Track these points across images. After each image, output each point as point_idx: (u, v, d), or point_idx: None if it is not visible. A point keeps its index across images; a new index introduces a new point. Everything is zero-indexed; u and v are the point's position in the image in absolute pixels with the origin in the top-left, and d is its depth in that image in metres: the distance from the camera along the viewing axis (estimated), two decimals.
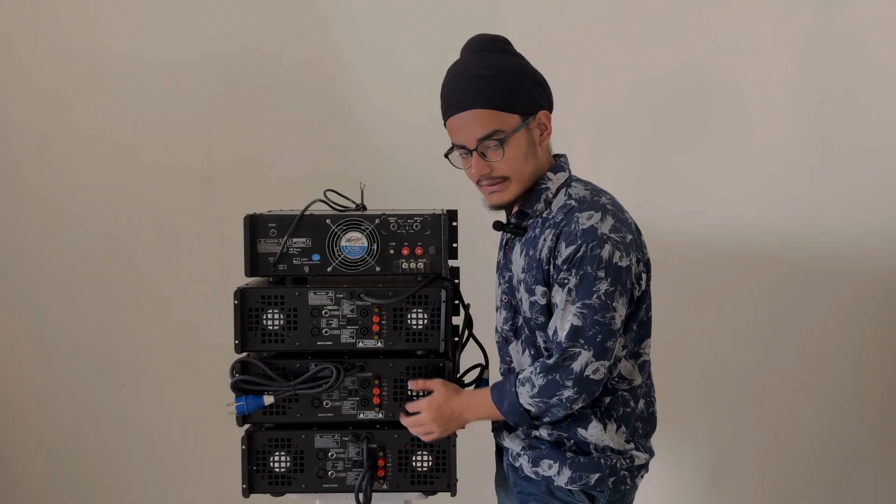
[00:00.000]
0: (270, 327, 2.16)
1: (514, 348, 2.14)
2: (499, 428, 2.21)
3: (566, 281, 1.95)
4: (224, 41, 3.27)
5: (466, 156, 2.07)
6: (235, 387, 2.15)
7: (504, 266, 2.18)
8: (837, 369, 3.32)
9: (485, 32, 2.08)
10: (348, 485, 2.19)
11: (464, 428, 2.17)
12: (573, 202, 2.01)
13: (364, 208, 2.28)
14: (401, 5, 3.26)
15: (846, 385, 3.32)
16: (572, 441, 2.07)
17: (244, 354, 2.18)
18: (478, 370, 2.32)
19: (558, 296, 1.97)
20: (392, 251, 2.16)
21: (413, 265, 2.17)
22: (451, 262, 2.27)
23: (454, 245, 2.23)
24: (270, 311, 2.16)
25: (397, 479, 2.19)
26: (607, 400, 2.07)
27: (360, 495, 2.13)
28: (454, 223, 2.23)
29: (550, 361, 1.95)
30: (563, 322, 1.94)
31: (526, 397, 1.99)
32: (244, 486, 2.18)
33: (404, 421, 2.15)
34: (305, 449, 2.19)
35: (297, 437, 2.19)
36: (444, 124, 2.11)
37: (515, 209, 2.11)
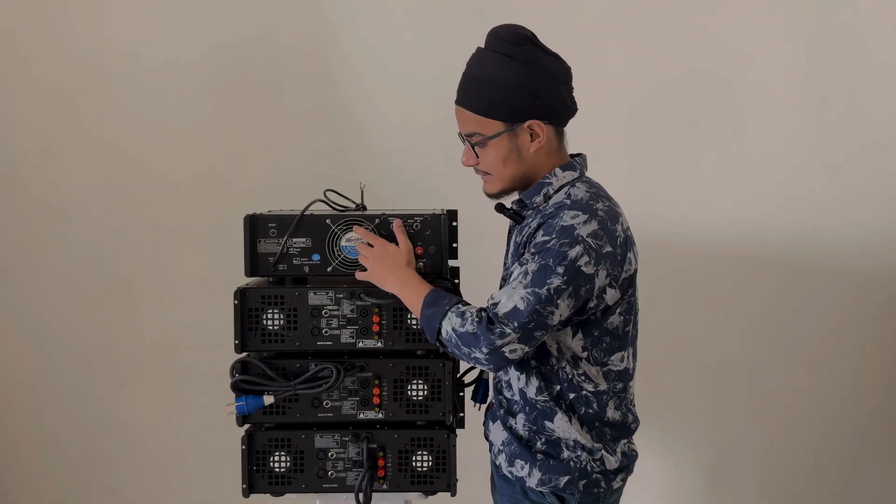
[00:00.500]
0: (270, 327, 2.16)
1: None
2: (487, 420, 2.22)
3: (526, 262, 1.96)
4: (224, 41, 3.27)
5: (463, 142, 2.12)
6: (235, 387, 2.15)
7: (505, 254, 2.21)
8: (838, 370, 3.32)
9: (511, 24, 2.07)
10: (348, 485, 2.19)
11: (390, 297, 2.13)
12: (568, 201, 2.02)
13: (364, 208, 2.28)
14: (402, 6, 3.26)
15: (846, 385, 3.32)
16: (543, 438, 2.07)
17: (244, 354, 2.18)
18: (478, 370, 2.33)
19: (515, 271, 1.98)
20: None
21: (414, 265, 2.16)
22: (451, 262, 2.27)
23: (454, 245, 2.23)
24: (270, 311, 2.16)
25: (397, 479, 2.19)
26: (571, 396, 2.06)
27: (360, 495, 2.13)
28: (454, 223, 2.24)
29: (485, 325, 1.94)
30: (508, 300, 1.94)
31: (448, 325, 1.98)
32: (244, 486, 2.18)
33: (364, 234, 2.14)
34: (305, 449, 2.19)
35: (297, 437, 2.19)
36: None
37: (517, 197, 2.13)
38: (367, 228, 2.15)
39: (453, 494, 2.21)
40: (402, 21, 3.26)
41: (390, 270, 2.09)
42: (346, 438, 2.19)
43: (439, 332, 2.00)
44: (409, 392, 2.18)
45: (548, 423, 2.06)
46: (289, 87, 3.29)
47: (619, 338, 2.07)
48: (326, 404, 2.18)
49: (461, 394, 2.33)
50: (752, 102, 3.21)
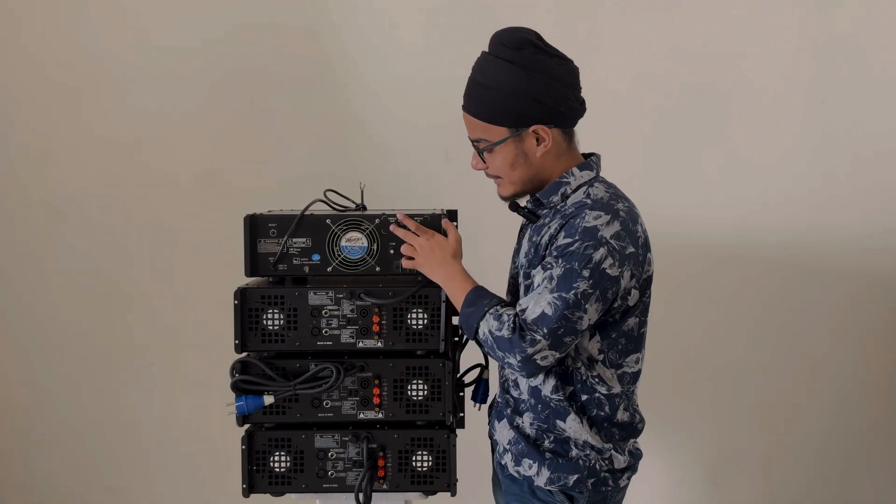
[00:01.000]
0: (270, 327, 2.16)
1: None
2: (492, 419, 2.22)
3: (550, 266, 1.96)
4: (225, 41, 3.27)
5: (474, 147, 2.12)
6: (235, 387, 2.15)
7: (515, 252, 2.20)
8: (838, 370, 3.32)
9: (515, 27, 2.06)
10: (348, 485, 2.19)
11: (437, 285, 2.13)
12: (588, 200, 2.02)
13: (364, 208, 2.28)
14: (403, 5, 3.26)
15: (846, 385, 3.32)
16: (552, 436, 2.07)
17: (244, 354, 2.18)
18: (478, 370, 2.33)
19: (538, 276, 1.98)
20: (392, 251, 2.16)
21: None
22: None
23: None
24: (270, 311, 2.16)
25: (397, 479, 2.19)
26: (584, 398, 2.07)
27: (360, 495, 2.13)
28: (454, 223, 2.23)
29: (518, 332, 1.94)
30: (535, 306, 1.94)
31: (486, 327, 1.99)
32: (244, 486, 2.18)
33: (403, 224, 2.14)
34: (305, 449, 2.19)
35: (297, 437, 2.19)
36: None
37: (532, 196, 2.12)
38: (407, 221, 2.15)
39: (453, 494, 2.21)
40: (403, 21, 3.26)
41: (437, 261, 2.11)
42: (346, 438, 2.19)
43: (477, 332, 2.01)
44: (409, 392, 2.18)
45: (559, 423, 2.06)
46: (289, 87, 3.29)
47: (635, 339, 2.08)
48: (326, 404, 2.18)
49: (461, 394, 2.33)
50: (753, 103, 3.21)
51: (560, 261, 1.94)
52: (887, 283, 3.25)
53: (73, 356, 3.40)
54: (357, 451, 2.18)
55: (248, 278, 2.20)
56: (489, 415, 2.29)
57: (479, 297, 2.03)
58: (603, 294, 1.95)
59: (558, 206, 2.06)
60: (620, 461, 2.10)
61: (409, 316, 2.16)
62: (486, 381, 2.32)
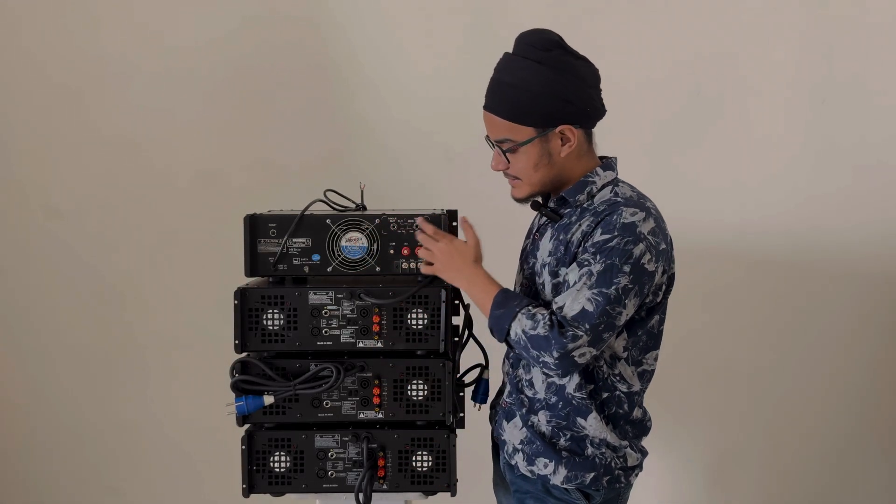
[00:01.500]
0: (270, 327, 2.16)
1: None
2: (499, 419, 2.21)
3: (588, 263, 1.96)
4: (225, 41, 3.27)
5: (491, 147, 2.11)
6: (235, 387, 2.15)
7: (530, 252, 2.18)
8: (838, 369, 3.32)
9: (540, 28, 2.07)
10: (348, 485, 2.19)
11: (456, 288, 2.14)
12: (619, 199, 2.03)
13: (364, 208, 2.28)
14: (406, 5, 3.26)
15: (847, 385, 3.32)
16: (568, 434, 2.07)
17: (244, 354, 2.18)
18: (478, 370, 2.33)
19: (573, 274, 1.97)
20: (392, 251, 2.16)
21: (413, 265, 2.17)
22: None
23: None
24: (270, 311, 2.15)
25: (397, 479, 2.19)
26: (604, 395, 2.08)
27: (360, 495, 2.13)
28: (454, 223, 2.23)
29: (557, 329, 1.93)
30: (574, 302, 1.94)
31: (518, 327, 1.98)
32: (244, 486, 2.18)
33: (422, 229, 2.13)
34: (305, 449, 2.19)
35: (297, 437, 2.18)
36: None
37: (556, 195, 2.12)
38: (425, 223, 2.14)
39: (453, 494, 2.21)
40: (405, 21, 3.26)
41: (458, 267, 2.09)
42: (346, 438, 2.19)
43: (508, 334, 2.00)
44: (409, 392, 2.18)
45: (580, 420, 2.07)
46: (289, 87, 3.29)
47: (654, 337, 2.10)
48: (326, 404, 2.18)
49: (461, 394, 2.33)
50: (753, 103, 3.21)
51: (599, 257, 1.95)
52: (889, 284, 3.25)
53: (73, 356, 3.40)
54: (357, 451, 2.18)
55: (248, 278, 2.20)
56: (492, 416, 2.29)
57: (509, 299, 2.03)
58: (641, 289, 1.97)
59: (585, 205, 2.06)
60: (633, 459, 2.12)
61: (409, 316, 2.16)
62: (486, 381, 2.32)
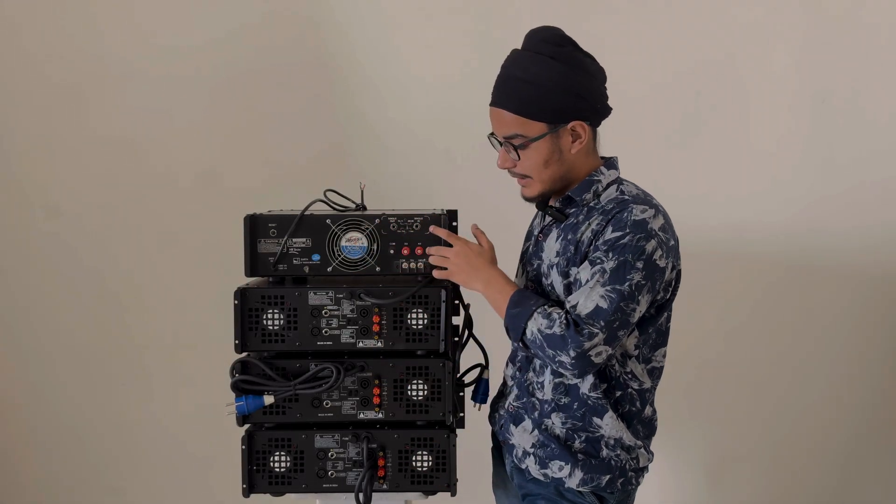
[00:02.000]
0: (270, 327, 2.16)
1: None
2: (505, 423, 2.20)
3: (600, 261, 1.96)
4: (225, 42, 3.27)
5: (497, 144, 2.11)
6: (235, 387, 2.15)
7: (533, 254, 2.18)
8: (838, 369, 3.32)
9: (547, 26, 2.07)
10: (348, 485, 2.19)
11: (470, 288, 2.14)
12: (627, 196, 2.04)
13: (364, 208, 2.28)
14: (406, 5, 3.26)
15: (847, 385, 3.32)
16: (583, 436, 2.07)
17: (244, 354, 2.18)
18: (478, 370, 2.33)
19: (585, 272, 1.97)
20: (392, 251, 2.16)
21: (413, 265, 2.17)
22: None
23: None
24: (270, 311, 2.16)
25: (397, 479, 2.19)
26: (618, 393, 2.08)
27: (360, 495, 2.13)
28: (454, 223, 2.23)
29: (573, 328, 1.93)
30: (588, 300, 1.94)
31: (534, 326, 1.98)
32: (244, 486, 2.18)
33: (436, 234, 2.13)
34: (305, 449, 2.19)
35: (297, 437, 2.18)
36: None
37: (560, 195, 2.11)
38: (443, 226, 2.14)
39: (453, 494, 2.21)
40: (405, 21, 3.26)
41: (474, 268, 2.09)
42: (346, 438, 2.19)
43: (524, 333, 2.00)
44: (409, 392, 2.18)
45: (595, 420, 2.06)
46: (289, 87, 3.29)
47: (663, 334, 2.11)
48: (326, 404, 2.18)
49: (461, 394, 2.33)
50: (752, 103, 3.21)
51: (611, 254, 1.95)
52: (888, 283, 3.25)
53: (73, 356, 3.40)
54: (357, 451, 2.18)
55: (248, 278, 2.20)
56: (493, 417, 2.28)
57: (525, 299, 2.03)
58: (653, 285, 1.97)
59: (591, 204, 2.06)
60: (644, 459, 2.13)
61: (409, 316, 2.16)
62: (486, 381, 2.32)
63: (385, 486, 2.19)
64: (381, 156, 3.28)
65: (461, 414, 2.33)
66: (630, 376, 2.08)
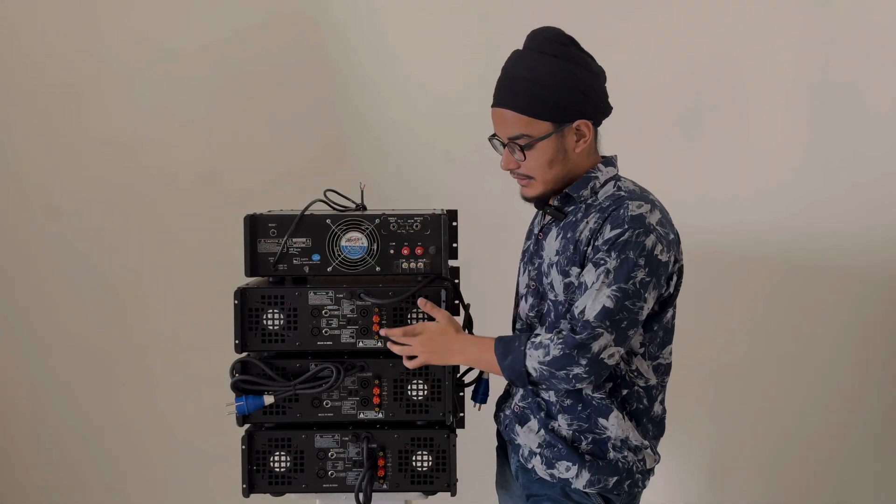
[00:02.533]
0: (270, 327, 2.16)
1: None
2: (510, 423, 2.20)
3: (603, 261, 1.95)
4: (225, 41, 3.27)
5: (499, 146, 2.10)
6: (235, 387, 2.15)
7: (534, 253, 2.17)
8: (838, 369, 3.32)
9: (548, 26, 2.07)
10: (348, 485, 2.19)
11: (450, 365, 2.13)
12: (623, 193, 2.03)
13: (364, 208, 2.28)
14: (405, 5, 3.26)
15: (847, 385, 3.32)
16: (590, 437, 2.06)
17: (244, 354, 2.18)
18: (478, 370, 2.32)
19: (590, 275, 1.96)
20: (392, 251, 2.16)
21: (413, 265, 2.16)
22: (451, 262, 2.27)
23: (454, 245, 2.24)
24: (270, 311, 2.16)
25: (397, 479, 2.19)
26: (624, 392, 2.07)
27: (360, 495, 2.13)
28: (454, 223, 2.23)
29: (577, 337, 1.92)
30: (595, 302, 1.93)
31: (535, 361, 1.96)
32: (244, 485, 2.18)
33: (391, 333, 2.10)
34: (305, 449, 2.19)
35: (297, 437, 2.18)
36: None
37: (559, 194, 2.10)
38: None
39: (453, 494, 2.21)
40: (404, 21, 3.26)
41: (445, 347, 2.07)
42: (346, 438, 2.19)
43: (528, 375, 1.98)
44: (409, 392, 2.18)
45: (601, 421, 2.05)
46: (290, 87, 3.29)
47: (669, 331, 2.10)
48: (326, 404, 2.18)
49: (461, 394, 2.32)
50: (752, 102, 3.21)
51: (613, 253, 1.94)
52: (888, 283, 3.25)
53: (73, 356, 3.40)
54: (357, 451, 2.18)
55: (248, 278, 2.20)
56: (501, 419, 2.26)
57: (509, 344, 2.01)
58: (658, 281, 1.97)
59: (589, 201, 2.06)
60: (651, 461, 2.12)
61: (409, 316, 2.16)
62: (487, 381, 2.31)
63: (385, 486, 2.19)
64: (381, 156, 3.28)
65: (461, 414, 2.33)
66: (636, 374, 2.07)
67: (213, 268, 3.28)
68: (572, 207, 2.09)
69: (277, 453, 2.18)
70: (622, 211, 1.98)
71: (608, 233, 1.96)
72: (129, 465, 3.45)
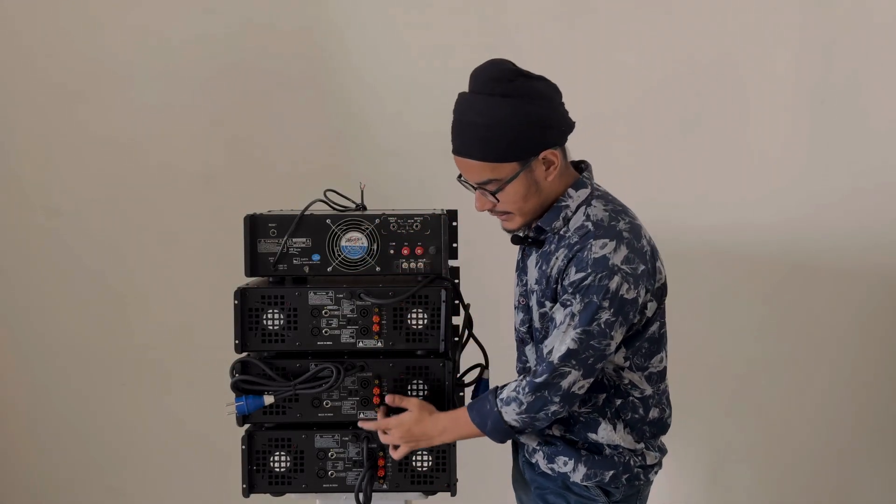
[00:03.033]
0: (270, 327, 2.16)
1: (530, 350, 2.15)
2: None
3: (569, 303, 1.96)
4: (225, 41, 3.27)
5: (470, 188, 2.07)
6: (235, 387, 2.15)
7: (522, 269, 2.18)
8: (837, 369, 3.32)
9: (493, 60, 2.02)
10: (348, 485, 2.19)
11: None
12: (590, 224, 2.00)
13: (364, 208, 2.28)
14: (405, 6, 3.26)
15: (846, 385, 3.32)
16: (584, 442, 2.10)
17: (244, 354, 2.18)
18: (478, 370, 2.33)
19: (559, 313, 1.98)
20: (392, 251, 2.16)
21: (413, 265, 2.17)
22: (451, 262, 2.27)
23: (454, 245, 2.24)
24: (270, 311, 2.16)
25: (397, 479, 2.19)
26: (618, 402, 2.09)
27: (360, 495, 2.13)
28: (454, 223, 2.24)
29: (539, 380, 1.97)
30: (561, 344, 1.95)
31: (512, 415, 2.00)
32: (244, 485, 2.18)
33: (365, 426, 2.14)
34: (305, 449, 2.19)
35: (297, 437, 2.19)
36: None
37: (533, 224, 2.09)
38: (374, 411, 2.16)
39: (453, 494, 2.21)
40: (404, 21, 3.26)
41: (423, 434, 2.10)
42: (346, 438, 2.19)
43: (512, 428, 2.02)
44: (408, 392, 2.18)
45: (590, 434, 2.09)
46: (290, 87, 3.29)
47: (657, 341, 2.09)
48: (326, 404, 2.18)
49: (461, 394, 2.33)
50: (752, 102, 3.21)
51: (577, 297, 1.95)
52: (887, 282, 3.25)
53: (73, 356, 3.40)
54: (357, 450, 2.18)
55: (248, 278, 2.20)
56: None
57: (480, 408, 2.04)
58: (625, 318, 1.97)
59: (561, 232, 2.04)
60: (652, 458, 2.14)
61: (409, 316, 2.16)
62: (487, 381, 2.31)
63: (385, 486, 2.19)
64: (381, 156, 3.28)
65: None
66: (630, 385, 2.08)
67: (213, 268, 3.28)
68: (548, 236, 2.07)
69: (277, 453, 2.19)
70: (585, 253, 1.96)
71: (573, 275, 1.96)
72: (130, 464, 3.45)
